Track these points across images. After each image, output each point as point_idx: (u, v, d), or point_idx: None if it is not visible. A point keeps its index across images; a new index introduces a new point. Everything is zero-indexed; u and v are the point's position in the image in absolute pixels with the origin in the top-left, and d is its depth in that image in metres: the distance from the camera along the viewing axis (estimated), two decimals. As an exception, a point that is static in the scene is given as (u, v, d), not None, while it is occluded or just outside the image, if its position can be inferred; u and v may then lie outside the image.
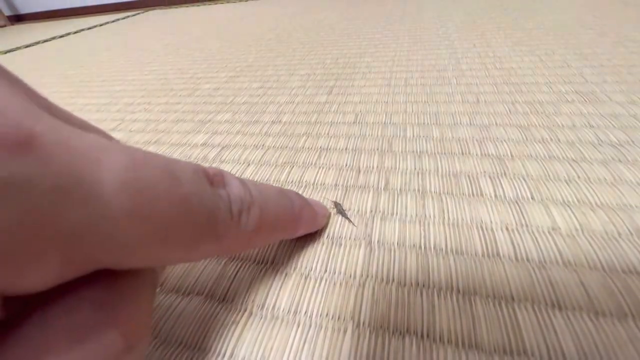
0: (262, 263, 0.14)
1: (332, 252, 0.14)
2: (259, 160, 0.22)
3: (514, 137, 0.20)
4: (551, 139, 0.20)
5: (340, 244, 0.15)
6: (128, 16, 1.13)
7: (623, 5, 0.45)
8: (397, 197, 0.17)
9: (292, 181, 0.19)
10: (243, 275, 0.14)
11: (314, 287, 0.13)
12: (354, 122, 0.25)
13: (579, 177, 0.17)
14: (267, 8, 0.87)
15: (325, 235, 0.15)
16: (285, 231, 0.12)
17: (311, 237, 0.15)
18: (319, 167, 0.20)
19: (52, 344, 0.06)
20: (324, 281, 0.13)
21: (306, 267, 0.14)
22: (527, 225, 0.14)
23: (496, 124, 0.22)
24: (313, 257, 0.14)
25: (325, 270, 0.14)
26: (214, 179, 0.09)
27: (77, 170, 0.06)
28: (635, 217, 0.14)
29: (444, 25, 0.47)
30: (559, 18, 0.44)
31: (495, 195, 0.16)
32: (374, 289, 0.13)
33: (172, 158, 0.08)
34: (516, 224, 0.15)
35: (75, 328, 0.06)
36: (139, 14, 1.16)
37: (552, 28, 0.40)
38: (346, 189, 0.18)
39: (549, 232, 0.14)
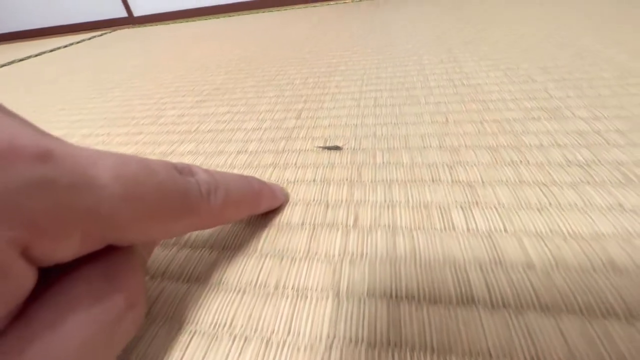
0: (218, 326, 0.13)
1: (297, 307, 0.13)
2: (222, 198, 0.20)
3: (484, 160, 0.20)
4: (520, 161, 0.19)
5: (306, 296, 0.14)
6: (94, 37, 1.09)
7: (583, 15, 0.47)
8: (367, 235, 0.16)
9: (256, 222, 0.18)
10: (197, 344, 0.12)
11: (275, 355, 0.12)
12: (322, 149, 0.24)
13: (550, 203, 0.16)
14: (236, 26, 0.86)
15: (290, 287, 0.14)
16: (250, 205, 0.15)
17: (274, 290, 0.14)
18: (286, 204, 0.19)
19: (77, 302, 0.08)
20: (287, 347, 0.12)
21: (267, 329, 0.12)
22: (501, 263, 0.14)
23: (465, 145, 0.22)
24: (276, 315, 0.13)
25: (289, 333, 0.12)
26: (183, 170, 0.11)
27: (82, 171, 0.08)
28: (607, 248, 0.14)
29: (411, 41, 0.48)
30: (520, 30, 0.45)
31: (468, 229, 0.16)
32: (341, 351, 0.11)
33: (146, 157, 0.10)
34: (490, 262, 0.14)
35: (92, 292, 0.08)
36: (105, 34, 1.13)
37: (515, 41, 0.41)
38: (314, 228, 0.17)
39: (523, 270, 0.13)
